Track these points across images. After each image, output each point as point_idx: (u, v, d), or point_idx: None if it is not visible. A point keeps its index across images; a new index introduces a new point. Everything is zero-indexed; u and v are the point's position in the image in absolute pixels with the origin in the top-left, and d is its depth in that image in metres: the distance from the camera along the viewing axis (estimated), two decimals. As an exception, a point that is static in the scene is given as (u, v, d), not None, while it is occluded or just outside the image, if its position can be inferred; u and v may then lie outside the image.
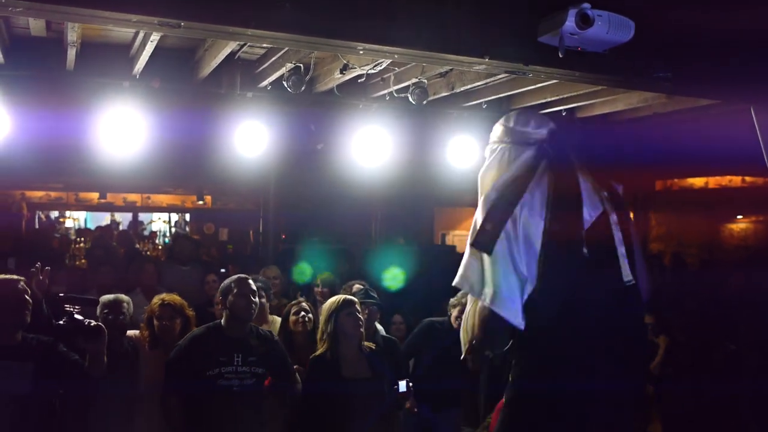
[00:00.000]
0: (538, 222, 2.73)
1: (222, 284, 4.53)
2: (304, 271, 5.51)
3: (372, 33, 3.51)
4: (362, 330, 4.65)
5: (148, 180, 12.62)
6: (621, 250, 2.86)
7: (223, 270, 8.22)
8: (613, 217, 2.87)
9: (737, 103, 5.39)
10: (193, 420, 4.22)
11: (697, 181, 12.56)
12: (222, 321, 4.37)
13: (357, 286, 5.54)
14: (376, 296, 5.42)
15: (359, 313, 4.64)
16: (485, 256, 2.74)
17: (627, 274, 2.86)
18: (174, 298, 4.69)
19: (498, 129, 3.10)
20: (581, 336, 2.74)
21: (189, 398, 4.24)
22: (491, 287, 2.69)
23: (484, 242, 2.72)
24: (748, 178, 11.91)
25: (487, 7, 3.86)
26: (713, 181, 12.43)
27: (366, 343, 4.72)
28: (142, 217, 17.19)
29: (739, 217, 12.93)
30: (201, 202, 14.51)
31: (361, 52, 3.75)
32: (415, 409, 5.53)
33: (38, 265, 4.47)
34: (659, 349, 6.79)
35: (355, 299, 4.76)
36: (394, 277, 5.61)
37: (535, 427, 2.80)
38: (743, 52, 4.42)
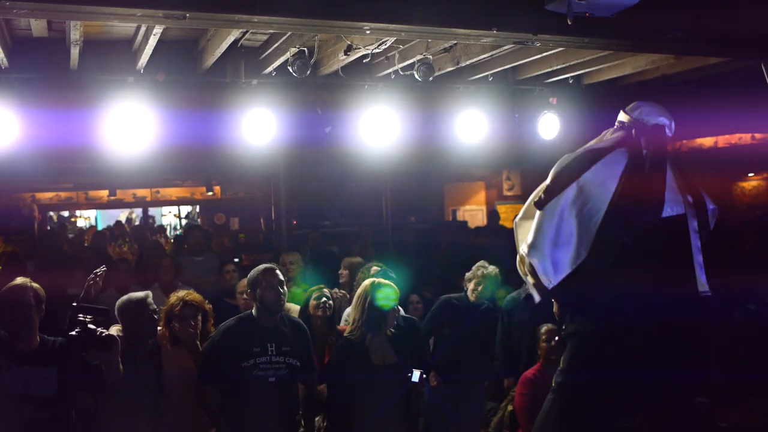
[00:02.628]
0: (602, 192, 2.82)
1: (249, 275, 4.48)
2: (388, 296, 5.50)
3: (378, 12, 3.47)
4: (393, 316, 4.62)
5: (157, 174, 12.61)
6: (698, 258, 2.92)
7: (236, 260, 8.21)
8: (693, 224, 2.90)
9: (748, 59, 5.33)
10: (229, 411, 4.23)
11: (707, 141, 12.46)
12: (253, 311, 4.36)
13: (375, 268, 5.53)
14: (393, 276, 5.40)
15: (389, 299, 4.58)
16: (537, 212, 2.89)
17: (702, 285, 2.90)
18: (194, 296, 4.64)
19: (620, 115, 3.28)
20: (635, 333, 2.79)
21: (225, 390, 4.24)
22: (531, 238, 2.88)
23: (542, 201, 2.87)
24: (758, 135, 11.81)
25: (492, -22, 3.81)
26: (723, 140, 12.34)
27: (390, 330, 4.66)
28: (153, 211, 17.20)
29: (751, 174, 12.85)
30: (210, 193, 14.49)
31: (368, 32, 3.71)
32: (435, 384, 5.59)
33: (99, 270, 4.51)
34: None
35: (390, 283, 4.69)
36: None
37: (587, 412, 2.83)
38: (753, 8, 4.34)
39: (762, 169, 12.65)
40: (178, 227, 16.86)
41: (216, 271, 6.65)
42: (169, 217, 16.99)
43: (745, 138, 12.03)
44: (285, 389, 4.25)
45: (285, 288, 4.32)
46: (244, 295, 5.24)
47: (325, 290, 5.11)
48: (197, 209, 16.60)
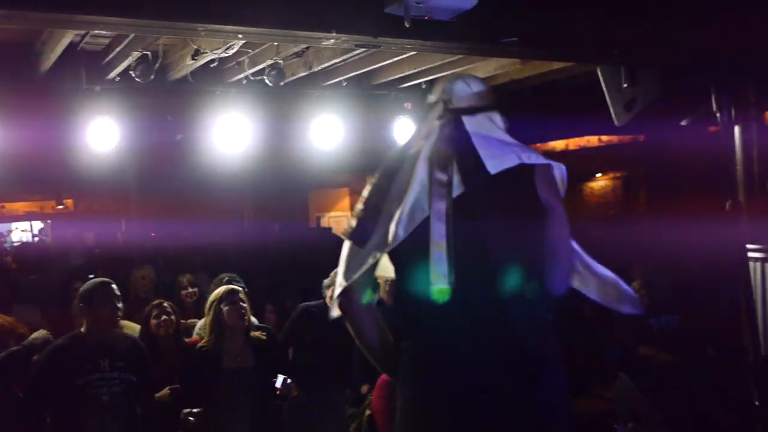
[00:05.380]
0: None
1: (82, 289, 4.28)
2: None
3: (213, 12, 3.35)
4: (245, 320, 4.61)
5: (-1, 187, 11.82)
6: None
7: (91, 276, 7.85)
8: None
9: (586, 63, 5.58)
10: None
11: (559, 144, 13.05)
12: (82, 328, 4.14)
13: (226, 278, 5.43)
14: (243, 286, 5.32)
15: (243, 302, 4.60)
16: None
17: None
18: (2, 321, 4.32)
19: None
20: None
21: (57, 412, 4.01)
22: None
23: None
24: (604, 138, 12.48)
25: (332, -20, 3.77)
26: (573, 143, 12.96)
27: (255, 333, 4.68)
28: (2, 227, 16.12)
29: (599, 175, 13.58)
30: (61, 207, 13.76)
31: (203, 33, 3.58)
32: (297, 394, 5.52)
33: None
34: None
35: (239, 289, 4.72)
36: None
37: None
38: (589, 12, 4.53)
39: (609, 170, 13.39)
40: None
41: (49, 287, 6.34)
42: (17, 233, 15.97)
43: (593, 140, 12.68)
44: (121, 407, 4.05)
45: (121, 303, 4.16)
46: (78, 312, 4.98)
47: (165, 305, 4.92)
48: (49, 224, 15.72)
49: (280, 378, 4.68)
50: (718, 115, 4.92)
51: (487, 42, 4.29)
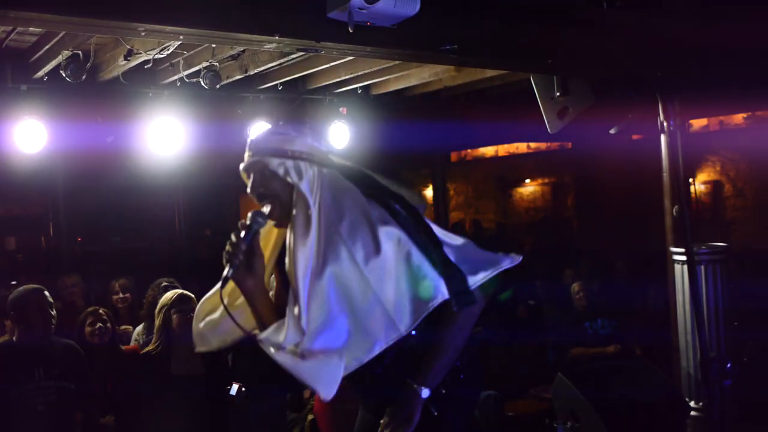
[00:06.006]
0: None
1: (12, 296, 4.15)
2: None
3: (153, 12, 3.28)
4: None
5: None
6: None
7: (13, 282, 7.60)
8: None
9: (521, 71, 5.71)
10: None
11: (488, 150, 13.28)
12: (14, 337, 4.01)
13: (164, 284, 5.34)
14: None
15: (192, 312, 4.50)
16: None
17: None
18: None
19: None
20: None
21: None
22: None
23: None
24: (532, 144, 12.77)
25: (275, -17, 3.75)
26: (503, 149, 13.21)
27: None
28: None
29: (527, 181, 13.88)
30: (-20, 210, 13.20)
31: (143, 33, 3.50)
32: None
33: None
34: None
35: (191, 296, 4.66)
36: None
37: None
38: (525, 22, 4.64)
39: (537, 176, 13.70)
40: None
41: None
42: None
43: (522, 147, 12.96)
44: (58, 417, 3.96)
45: (54, 311, 4.05)
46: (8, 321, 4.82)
47: (101, 312, 4.81)
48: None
49: (235, 386, 4.64)
50: (665, 124, 5.10)
51: (427, 49, 4.34)
